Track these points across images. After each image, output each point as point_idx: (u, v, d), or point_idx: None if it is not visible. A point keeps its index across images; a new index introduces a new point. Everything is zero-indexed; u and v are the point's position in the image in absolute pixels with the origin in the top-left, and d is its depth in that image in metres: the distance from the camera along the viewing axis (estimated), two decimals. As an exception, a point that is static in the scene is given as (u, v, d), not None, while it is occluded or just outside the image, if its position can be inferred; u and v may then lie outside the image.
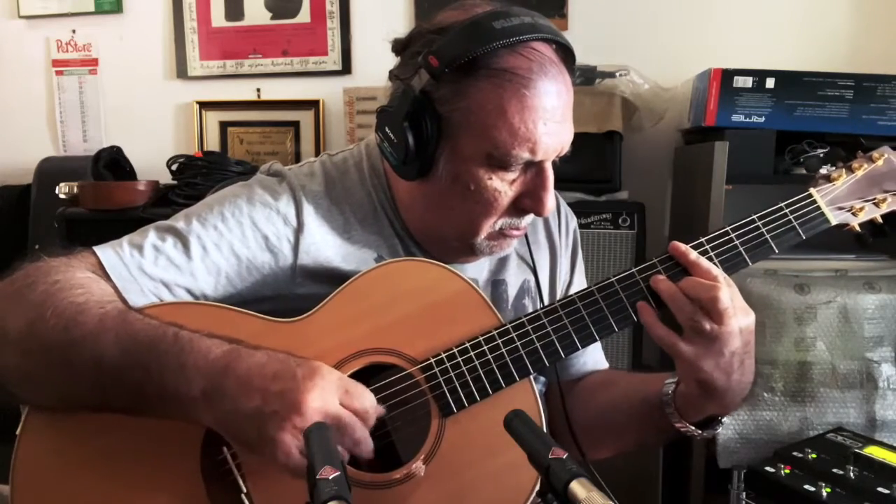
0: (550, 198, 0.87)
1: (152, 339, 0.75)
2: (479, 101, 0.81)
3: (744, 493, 1.29)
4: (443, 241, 0.94)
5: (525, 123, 0.81)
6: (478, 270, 0.99)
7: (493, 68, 0.80)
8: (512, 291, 1.02)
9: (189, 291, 0.87)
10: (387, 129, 0.86)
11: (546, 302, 1.01)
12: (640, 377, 1.00)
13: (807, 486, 1.26)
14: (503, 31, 0.80)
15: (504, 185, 0.85)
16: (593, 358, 1.10)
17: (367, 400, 0.76)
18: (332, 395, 0.73)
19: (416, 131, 0.83)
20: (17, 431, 0.80)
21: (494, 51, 0.80)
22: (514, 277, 1.02)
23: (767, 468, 1.33)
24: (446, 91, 0.82)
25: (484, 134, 0.82)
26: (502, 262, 1.02)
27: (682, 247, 0.85)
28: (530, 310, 0.92)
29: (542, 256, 1.06)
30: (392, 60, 0.92)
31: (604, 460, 0.98)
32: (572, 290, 0.99)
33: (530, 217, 0.91)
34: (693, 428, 0.87)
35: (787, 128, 1.66)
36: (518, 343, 0.84)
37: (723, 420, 0.87)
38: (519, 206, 0.88)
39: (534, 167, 0.86)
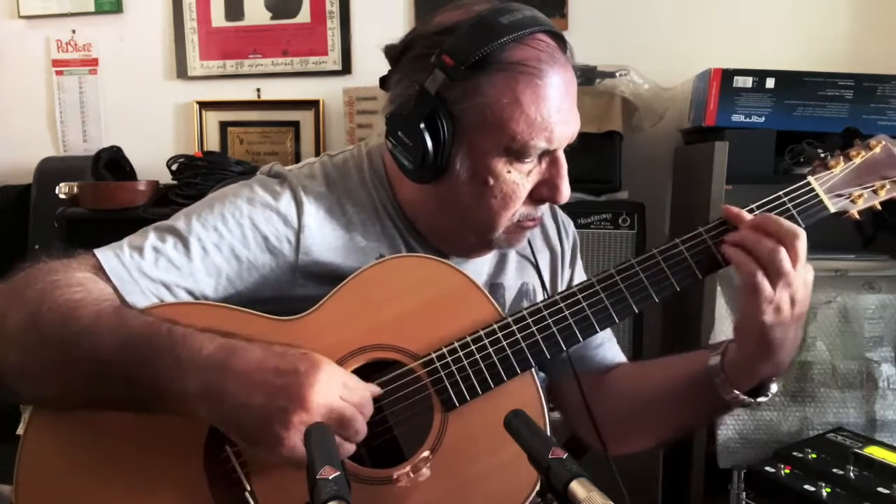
0: (566, 184, 0.88)
1: (147, 334, 0.76)
2: (493, 95, 0.82)
3: (744, 493, 1.29)
4: (458, 239, 0.95)
5: (541, 113, 0.82)
6: (476, 273, 0.98)
7: (504, 62, 0.81)
8: (510, 295, 1.02)
9: (190, 292, 0.87)
10: (400, 134, 0.86)
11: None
12: (677, 358, 1.00)
13: (807, 486, 1.26)
14: (510, 26, 0.81)
15: (521, 177, 0.86)
16: (612, 351, 1.09)
17: (364, 392, 0.77)
18: (334, 390, 0.74)
19: (434, 133, 0.84)
20: (20, 432, 0.81)
21: (505, 45, 0.81)
22: (513, 280, 1.03)
23: (767, 468, 1.33)
24: (458, 90, 0.83)
25: (501, 127, 0.83)
26: (501, 266, 1.02)
27: (735, 209, 0.86)
28: None
29: (542, 259, 1.06)
30: (391, 62, 0.92)
31: (604, 460, 0.98)
32: None
33: (545, 206, 0.92)
34: (745, 396, 0.87)
35: (787, 128, 1.66)
36: (519, 336, 0.84)
37: (772, 387, 0.88)
38: (535, 197, 0.89)
39: (548, 156, 0.87)
